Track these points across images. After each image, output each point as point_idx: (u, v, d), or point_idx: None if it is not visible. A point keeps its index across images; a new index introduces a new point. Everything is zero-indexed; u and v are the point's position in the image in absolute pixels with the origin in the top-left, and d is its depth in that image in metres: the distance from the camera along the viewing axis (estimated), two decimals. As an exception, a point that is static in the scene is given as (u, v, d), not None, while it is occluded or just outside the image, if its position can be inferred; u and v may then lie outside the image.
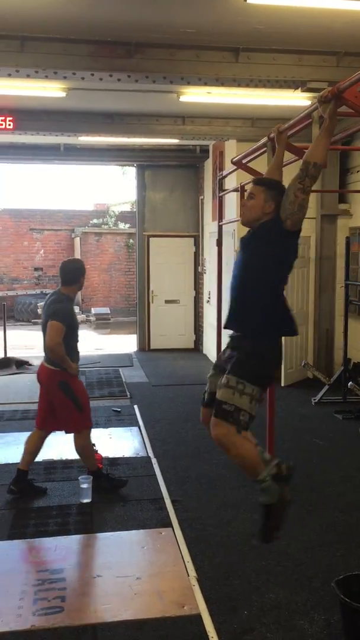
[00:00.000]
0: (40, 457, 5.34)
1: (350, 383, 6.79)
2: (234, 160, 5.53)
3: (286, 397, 7.59)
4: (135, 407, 7.22)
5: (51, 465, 5.17)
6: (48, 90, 6.27)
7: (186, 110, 7.60)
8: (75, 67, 5.14)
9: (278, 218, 3.13)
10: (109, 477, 4.67)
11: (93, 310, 17.46)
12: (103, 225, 18.86)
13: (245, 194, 3.38)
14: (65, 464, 5.20)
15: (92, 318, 17.09)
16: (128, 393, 7.98)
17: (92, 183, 28.05)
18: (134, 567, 3.51)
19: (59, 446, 5.69)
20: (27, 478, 4.61)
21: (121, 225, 19.06)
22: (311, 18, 4.62)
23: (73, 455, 5.36)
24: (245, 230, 3.35)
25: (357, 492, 4.62)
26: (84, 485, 4.39)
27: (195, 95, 6.49)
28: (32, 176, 25.94)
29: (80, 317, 16.97)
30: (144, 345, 11.73)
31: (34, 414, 6.83)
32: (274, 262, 3.16)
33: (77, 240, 18.14)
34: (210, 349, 10.19)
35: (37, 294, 17.45)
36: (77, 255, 18.15)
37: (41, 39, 4.96)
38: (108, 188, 27.98)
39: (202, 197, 11.28)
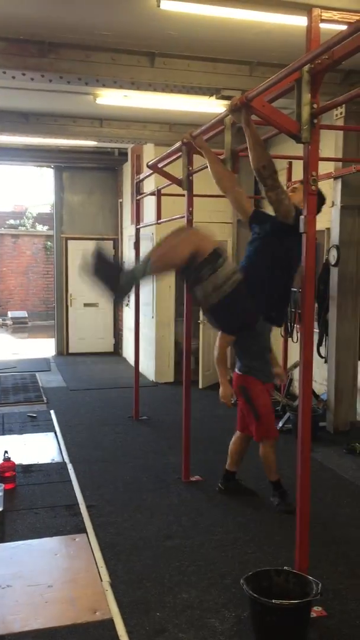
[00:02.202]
0: None
1: (264, 384, 6.96)
2: (149, 164, 5.56)
3: (203, 399, 7.68)
4: (52, 412, 7.09)
5: None
6: None
7: (103, 112, 7.56)
8: (-14, 64, 5.00)
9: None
10: (285, 493, 4.45)
11: (10, 314, 17.00)
12: (20, 227, 18.41)
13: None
14: (-23, 472, 5.02)
15: (9, 322, 16.64)
16: (45, 398, 7.83)
17: (12, 184, 27.34)
18: (46, 575, 3.44)
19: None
20: (235, 478, 4.73)
21: (39, 227, 18.68)
22: (224, 28, 4.71)
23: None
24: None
25: (269, 490, 4.74)
26: (-4, 494, 4.26)
27: (111, 98, 6.47)
28: None
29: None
30: (63, 349, 11.56)
31: None
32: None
33: (-7, 241, 17.64)
34: (129, 353, 10.16)
35: None
36: (-7, 257, 17.63)
37: None
38: (28, 189, 27.38)
39: (121, 200, 11.26)
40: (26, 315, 17.08)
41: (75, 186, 11.45)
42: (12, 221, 18.49)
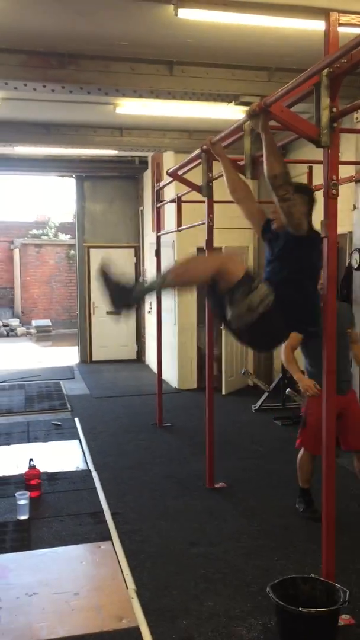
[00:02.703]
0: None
1: (288, 390, 6.91)
2: (169, 171, 5.58)
3: (227, 405, 7.67)
4: (76, 419, 7.14)
5: (-13, 482, 5.03)
6: (-19, 99, 6.17)
7: (123, 121, 7.62)
8: (7, 76, 5.08)
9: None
10: (311, 500, 4.39)
11: (34, 323, 17.17)
12: (43, 236, 18.62)
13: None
14: (2, 480, 5.07)
15: (33, 330, 16.80)
16: (69, 406, 7.88)
17: (35, 194, 27.72)
18: (72, 582, 3.45)
19: (-4, 462, 5.56)
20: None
21: (62, 236, 18.87)
22: (242, 35, 4.72)
23: (10, 471, 5.27)
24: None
25: (294, 497, 4.69)
26: (21, 502, 4.29)
27: (131, 107, 6.52)
28: (-31, 186, 25.41)
29: (20, 329, 16.66)
30: (86, 357, 11.62)
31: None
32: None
33: (17, 251, 17.85)
34: (152, 360, 10.18)
35: (-24, 307, 17.05)
36: (16, 267, 17.83)
37: (-28, 48, 4.89)
38: (50, 199, 27.73)
39: (142, 208, 11.32)
40: (50, 324, 17.24)
41: (96, 195, 11.54)
42: (35, 231, 18.71)
